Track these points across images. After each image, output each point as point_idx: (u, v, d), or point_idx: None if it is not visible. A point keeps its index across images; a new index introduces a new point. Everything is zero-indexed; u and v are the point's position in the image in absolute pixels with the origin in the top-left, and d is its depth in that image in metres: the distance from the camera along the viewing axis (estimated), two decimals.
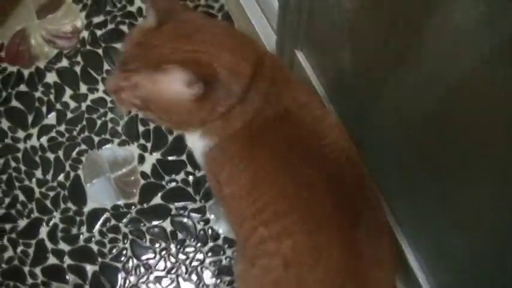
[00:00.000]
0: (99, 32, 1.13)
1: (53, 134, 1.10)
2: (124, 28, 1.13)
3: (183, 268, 1.03)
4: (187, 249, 1.03)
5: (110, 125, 1.09)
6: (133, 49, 0.64)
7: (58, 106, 1.11)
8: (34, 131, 1.10)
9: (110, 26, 1.13)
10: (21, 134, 1.11)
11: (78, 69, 1.12)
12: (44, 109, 1.11)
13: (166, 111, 0.66)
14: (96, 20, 1.14)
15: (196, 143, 0.72)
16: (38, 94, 1.12)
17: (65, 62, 1.13)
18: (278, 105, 0.68)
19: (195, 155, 0.76)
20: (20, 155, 1.10)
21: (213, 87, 0.63)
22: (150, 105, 0.65)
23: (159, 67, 0.61)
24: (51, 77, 1.12)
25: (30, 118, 1.11)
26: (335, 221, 0.64)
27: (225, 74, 0.64)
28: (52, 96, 1.11)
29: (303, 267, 0.65)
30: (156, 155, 1.07)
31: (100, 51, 1.12)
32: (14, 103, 1.12)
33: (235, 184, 0.70)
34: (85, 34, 1.13)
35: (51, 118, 1.11)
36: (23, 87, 1.13)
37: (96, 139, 1.09)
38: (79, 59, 1.12)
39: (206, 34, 0.66)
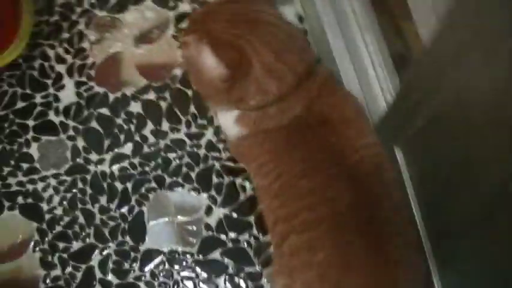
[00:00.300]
0: None
1: (126, 164, 1.09)
2: None
3: None
4: None
5: (184, 169, 1.08)
6: (201, 15, 0.72)
7: (136, 137, 1.10)
8: (107, 157, 1.10)
9: None
10: (94, 156, 1.10)
11: (164, 105, 1.12)
12: (122, 137, 1.11)
13: (198, 80, 0.71)
14: None
15: (229, 125, 0.76)
16: (119, 121, 1.12)
17: (152, 95, 1.12)
18: (320, 117, 0.70)
19: (225, 134, 0.81)
20: (88, 177, 1.10)
21: (245, 78, 0.66)
22: (189, 67, 0.72)
23: (203, 39, 0.66)
24: (135, 107, 1.12)
25: (106, 143, 1.11)
26: (366, 239, 0.64)
27: (260, 72, 0.66)
28: (133, 126, 1.11)
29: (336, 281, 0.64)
30: (224, 210, 1.06)
31: (190, 92, 1.12)
32: (94, 124, 1.12)
33: (263, 179, 0.72)
34: (178, 72, 1.13)
35: (127, 148, 1.10)
36: (105, 111, 1.13)
37: (168, 180, 1.08)
38: (167, 95, 1.12)
39: (264, 28, 0.68)
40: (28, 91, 1.15)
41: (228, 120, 0.76)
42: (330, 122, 0.70)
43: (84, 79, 1.14)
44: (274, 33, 0.69)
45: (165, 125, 1.11)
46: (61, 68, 1.15)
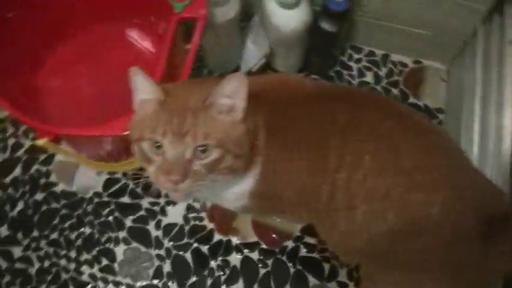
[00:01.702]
0: None
1: None
2: None
3: None
4: None
5: None
6: (173, 119, 0.64)
7: None
8: None
9: None
10: (173, 287, 1.07)
11: (262, 271, 1.08)
12: (209, 282, 1.07)
13: (238, 142, 0.66)
14: None
15: (244, 184, 0.73)
16: (212, 264, 1.07)
17: (255, 255, 1.08)
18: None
19: (237, 205, 0.79)
20: None
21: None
22: (225, 144, 0.64)
23: (205, 105, 0.64)
24: (234, 259, 1.08)
25: (191, 279, 1.07)
26: None
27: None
28: (223, 277, 1.07)
29: None
30: None
31: (291, 270, 1.07)
32: (187, 255, 1.08)
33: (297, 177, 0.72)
34: (289, 244, 1.09)
35: None
36: (204, 248, 1.09)
37: None
38: (269, 262, 1.08)
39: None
40: (139, 190, 1.11)
41: (243, 181, 0.73)
42: None
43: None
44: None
45: None
46: None
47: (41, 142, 0.87)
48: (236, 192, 0.75)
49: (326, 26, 1.04)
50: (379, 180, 0.67)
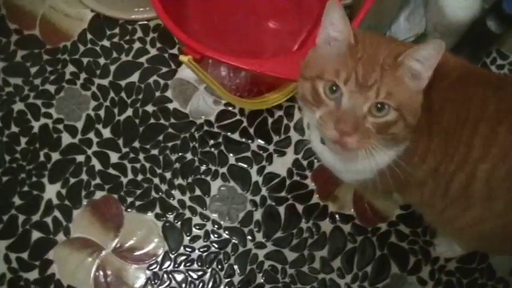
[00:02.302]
0: None
1: None
2: None
3: None
4: None
5: None
6: (358, 68, 0.60)
7: None
8: None
9: None
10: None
11: None
12: None
13: (415, 111, 0.63)
14: None
15: (379, 159, 0.67)
16: None
17: None
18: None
19: (356, 177, 0.76)
20: None
21: None
22: (404, 110, 0.61)
23: (397, 63, 0.60)
24: None
25: None
26: None
27: None
28: None
29: None
30: None
31: None
32: None
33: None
34: None
35: None
36: None
37: None
38: None
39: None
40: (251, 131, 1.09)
41: (380, 156, 0.67)
42: None
43: None
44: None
45: None
46: None
47: (185, 59, 0.83)
48: (364, 168, 0.71)
49: (492, 25, 1.00)
50: None
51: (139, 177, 1.07)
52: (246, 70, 0.89)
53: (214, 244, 1.04)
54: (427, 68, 0.61)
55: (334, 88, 0.61)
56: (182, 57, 0.84)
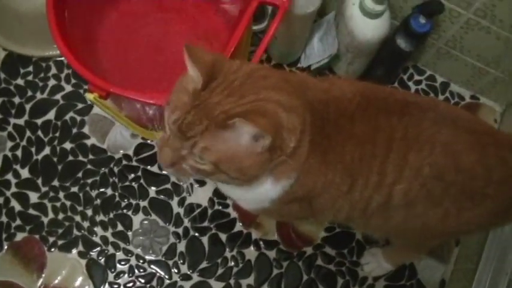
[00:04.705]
0: None
1: None
2: None
3: None
4: None
5: None
6: (189, 114, 0.59)
7: (231, 280, 1.04)
8: (194, 276, 1.04)
9: None
10: (184, 269, 1.04)
11: (275, 271, 1.06)
12: (220, 271, 1.05)
13: (239, 169, 0.61)
14: None
15: (268, 191, 0.68)
16: (227, 253, 1.05)
17: (273, 254, 1.06)
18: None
19: (253, 207, 0.76)
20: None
21: (280, 133, 0.60)
22: (222, 166, 0.60)
23: (226, 124, 0.57)
24: (250, 253, 1.06)
25: (203, 264, 1.05)
26: None
27: (285, 117, 0.61)
28: (235, 269, 1.05)
29: None
30: None
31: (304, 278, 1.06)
32: (204, 239, 1.05)
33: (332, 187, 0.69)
34: (309, 251, 1.07)
35: (214, 285, 1.04)
36: (223, 235, 1.06)
37: None
38: (284, 264, 1.06)
39: (259, 82, 0.62)
40: None
41: (268, 188, 0.68)
42: None
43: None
44: (267, 77, 0.64)
45: None
46: None
47: (91, 96, 0.83)
48: (256, 198, 0.71)
49: (402, 43, 1.00)
50: (439, 183, 0.68)
51: (60, 215, 1.06)
52: (151, 104, 0.89)
53: (139, 279, 1.04)
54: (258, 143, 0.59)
55: None
56: (88, 95, 0.83)
